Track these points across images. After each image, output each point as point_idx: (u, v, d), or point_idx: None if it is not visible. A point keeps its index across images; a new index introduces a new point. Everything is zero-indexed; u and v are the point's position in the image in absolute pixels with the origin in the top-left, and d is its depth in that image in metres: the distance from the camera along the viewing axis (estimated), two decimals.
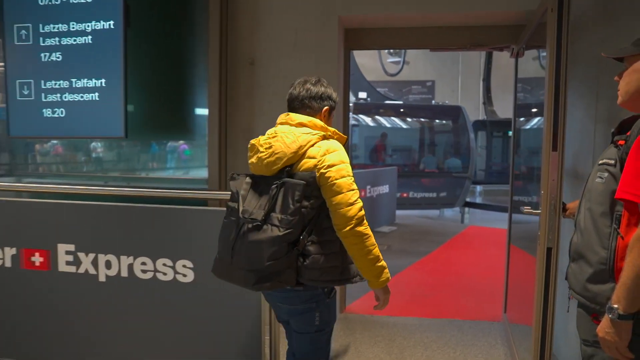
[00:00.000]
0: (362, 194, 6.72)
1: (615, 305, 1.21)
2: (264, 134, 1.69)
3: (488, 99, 14.39)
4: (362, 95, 10.83)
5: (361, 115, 10.18)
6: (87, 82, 3.12)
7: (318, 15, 3.13)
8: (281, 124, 1.69)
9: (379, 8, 3.07)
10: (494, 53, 15.86)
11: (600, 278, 1.32)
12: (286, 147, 1.57)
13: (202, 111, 3.47)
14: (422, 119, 10.52)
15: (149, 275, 2.33)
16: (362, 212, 1.56)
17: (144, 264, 2.33)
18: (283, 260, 1.52)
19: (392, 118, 10.46)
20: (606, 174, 1.35)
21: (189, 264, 2.29)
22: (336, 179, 1.54)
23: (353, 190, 1.56)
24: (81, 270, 2.40)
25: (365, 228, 1.56)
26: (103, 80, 3.09)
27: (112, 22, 3.04)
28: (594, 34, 2.45)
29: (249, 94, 3.23)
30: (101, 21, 3.06)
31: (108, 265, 2.37)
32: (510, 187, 3.45)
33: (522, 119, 3.43)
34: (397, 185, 8.41)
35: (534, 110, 3.06)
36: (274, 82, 3.18)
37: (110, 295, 2.39)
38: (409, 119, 10.55)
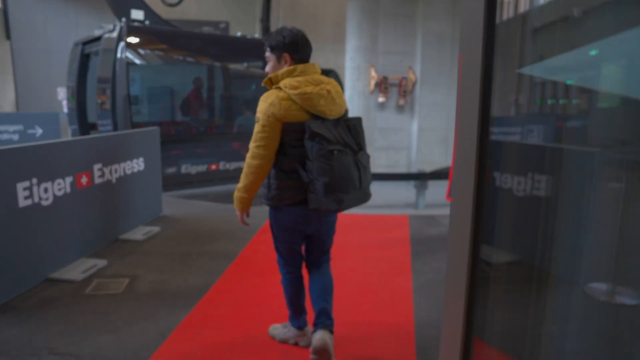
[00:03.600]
0: (86, 180, 3.70)
1: None
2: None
3: None
4: (137, 15, 6.71)
5: (141, 50, 6.77)
6: None
7: None
8: (308, 72, 2.16)
9: None
10: None
11: None
12: (342, 94, 2.23)
13: None
14: (225, 57, 7.83)
15: None
16: None
17: None
18: None
19: (191, 55, 7.51)
20: None
21: None
22: None
23: None
24: None
25: None
26: None
27: None
28: None
29: None
30: None
31: None
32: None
33: None
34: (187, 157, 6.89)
35: None
36: None
37: None
38: (208, 59, 7.68)
